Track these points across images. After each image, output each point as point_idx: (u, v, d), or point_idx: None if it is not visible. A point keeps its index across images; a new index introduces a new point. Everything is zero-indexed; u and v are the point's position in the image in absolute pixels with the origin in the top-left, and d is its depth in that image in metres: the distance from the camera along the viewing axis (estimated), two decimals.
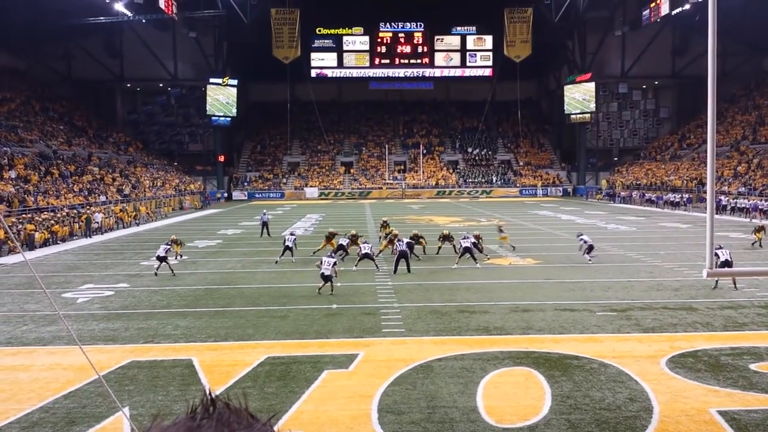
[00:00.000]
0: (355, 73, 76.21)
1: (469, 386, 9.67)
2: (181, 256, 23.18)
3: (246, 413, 1.14)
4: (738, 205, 42.23)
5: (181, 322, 13.91)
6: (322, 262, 16.72)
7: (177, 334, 12.96)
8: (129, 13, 54.99)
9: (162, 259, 19.56)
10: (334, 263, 16.78)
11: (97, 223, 33.73)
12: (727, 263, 16.32)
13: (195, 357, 11.32)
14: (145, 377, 10.30)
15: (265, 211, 32.95)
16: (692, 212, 44.24)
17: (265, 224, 31.11)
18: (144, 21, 60.66)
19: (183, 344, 12.27)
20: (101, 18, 55.72)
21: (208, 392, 1.91)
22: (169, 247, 20.20)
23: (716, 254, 17.50)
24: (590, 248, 21.39)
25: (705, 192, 37.00)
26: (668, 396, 9.16)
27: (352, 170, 74.50)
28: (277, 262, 21.83)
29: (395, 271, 19.56)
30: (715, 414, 8.52)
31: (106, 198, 42.43)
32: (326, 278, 16.39)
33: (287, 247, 21.92)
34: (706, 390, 9.41)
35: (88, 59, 66.50)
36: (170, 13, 57.00)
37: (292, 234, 23.22)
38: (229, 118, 70.03)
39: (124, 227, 37.42)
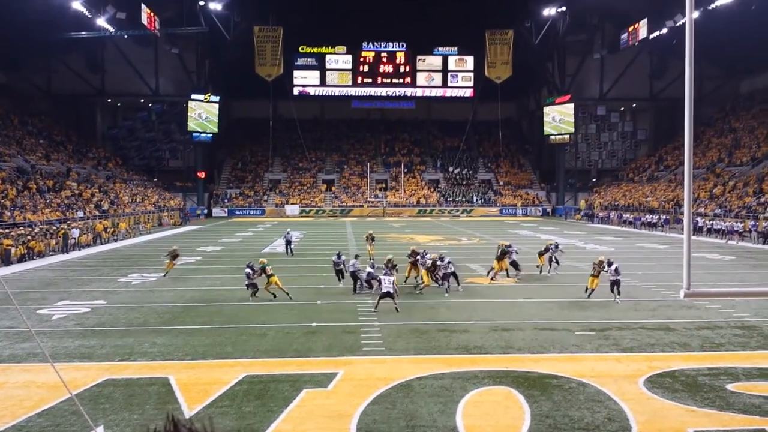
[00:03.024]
0: (337, 91, 76.59)
1: (448, 405, 9.65)
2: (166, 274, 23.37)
3: None
4: (714, 227, 42.81)
5: (158, 340, 13.75)
6: (381, 281, 17.08)
7: (154, 352, 12.80)
8: (111, 29, 54.78)
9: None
10: (394, 280, 17.20)
11: (74, 238, 33.31)
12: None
13: (172, 375, 11.18)
14: (121, 396, 10.14)
15: (289, 230, 32.69)
16: (669, 233, 44.75)
17: (288, 243, 30.90)
18: (126, 36, 60.52)
19: (160, 362, 12.11)
20: (83, 33, 55.48)
21: (170, 417, 1.88)
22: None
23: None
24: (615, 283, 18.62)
25: (682, 213, 37.50)
26: (646, 416, 9.21)
27: (333, 188, 74.50)
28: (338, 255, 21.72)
29: (447, 291, 19.62)
30: None
31: (84, 213, 41.96)
32: (389, 295, 16.69)
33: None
34: (683, 410, 9.47)
35: (69, 74, 66.10)
36: (153, 29, 56.94)
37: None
38: (210, 135, 69.78)
39: (102, 243, 37.01)
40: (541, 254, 24.13)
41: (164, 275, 23.21)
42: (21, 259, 28.01)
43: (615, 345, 13.33)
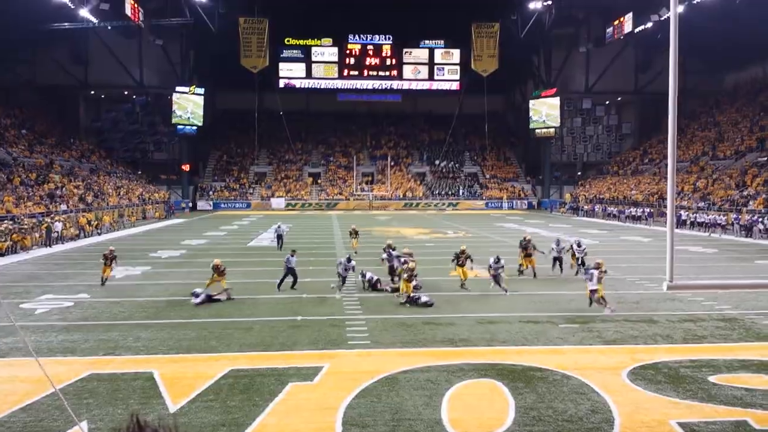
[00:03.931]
0: (323, 84, 76.38)
1: (434, 398, 9.67)
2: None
3: None
4: (697, 220, 43.19)
5: (142, 334, 13.67)
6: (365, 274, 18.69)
7: (138, 346, 12.72)
8: (95, 20, 54.17)
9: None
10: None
11: (57, 232, 33.01)
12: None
13: (156, 369, 11.11)
14: (105, 390, 10.07)
15: (280, 223, 32.13)
16: (653, 226, 45.09)
17: (280, 237, 30.31)
18: (110, 28, 59.88)
19: (144, 356, 12.05)
20: (66, 24, 54.82)
21: (134, 418, 1.87)
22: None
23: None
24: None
25: (665, 207, 37.86)
26: (629, 408, 9.28)
27: (319, 181, 74.36)
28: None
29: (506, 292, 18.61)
30: (675, 426, 8.65)
31: (68, 206, 41.59)
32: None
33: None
34: (666, 402, 9.56)
35: (52, 65, 65.34)
36: (136, 20, 56.40)
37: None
38: (195, 127, 69.37)
39: (85, 236, 36.71)
40: (525, 251, 21.93)
41: (102, 284, 19.97)
42: (4, 253, 27.72)
43: (598, 337, 13.43)
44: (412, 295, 16.94)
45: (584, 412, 9.12)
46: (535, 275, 21.39)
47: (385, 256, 21.00)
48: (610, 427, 8.64)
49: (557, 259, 22.19)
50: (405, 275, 17.33)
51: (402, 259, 19.72)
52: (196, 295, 17.14)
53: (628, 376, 10.77)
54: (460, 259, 19.42)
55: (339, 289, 18.64)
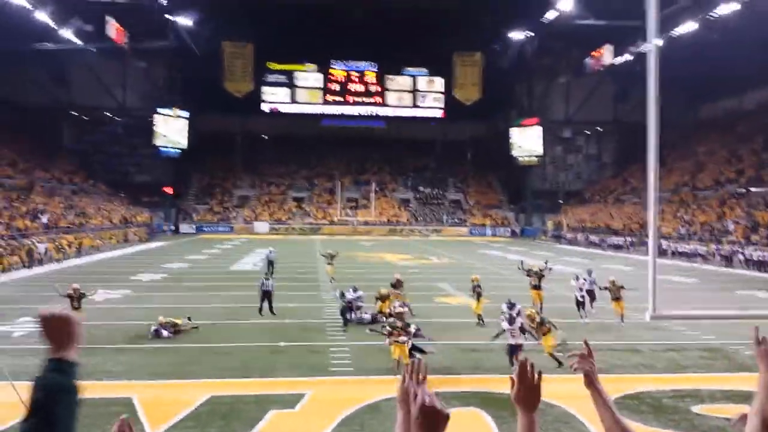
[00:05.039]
0: (307, 109, 76.68)
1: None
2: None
3: None
4: (678, 250, 43.57)
5: (122, 358, 13.46)
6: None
7: (118, 371, 12.51)
8: (77, 41, 54.02)
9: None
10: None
11: (40, 254, 32.59)
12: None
13: (135, 395, 10.92)
14: (83, 415, 9.82)
15: (271, 249, 31.21)
16: (635, 255, 45.41)
17: (271, 263, 28.92)
18: (94, 50, 59.74)
19: (124, 381, 11.84)
20: (48, 44, 54.62)
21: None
22: None
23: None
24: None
25: (647, 236, 38.15)
26: None
27: (303, 205, 74.23)
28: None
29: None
30: None
31: (48, 228, 41.07)
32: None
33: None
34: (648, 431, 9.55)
35: (33, 85, 64.88)
36: (120, 42, 56.37)
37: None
38: (178, 150, 69.11)
39: (66, 259, 36.22)
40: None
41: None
42: None
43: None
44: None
45: None
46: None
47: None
48: None
49: (589, 293, 20.01)
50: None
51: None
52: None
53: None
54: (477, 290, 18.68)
55: (347, 325, 17.23)
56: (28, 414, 0.98)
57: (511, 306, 13.81)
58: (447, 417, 1.55)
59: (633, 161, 71.78)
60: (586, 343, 2.59)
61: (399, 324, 12.77)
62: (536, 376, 2.18)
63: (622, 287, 18.28)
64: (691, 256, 41.55)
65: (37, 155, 60.50)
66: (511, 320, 12.76)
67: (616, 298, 18.20)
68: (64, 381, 1.11)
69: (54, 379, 1.09)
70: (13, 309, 19.56)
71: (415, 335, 15.69)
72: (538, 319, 13.81)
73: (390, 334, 12.64)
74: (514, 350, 12.57)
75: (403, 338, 12.52)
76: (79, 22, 51.38)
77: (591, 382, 2.43)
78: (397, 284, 19.16)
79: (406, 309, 15.77)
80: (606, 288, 18.44)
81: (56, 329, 1.10)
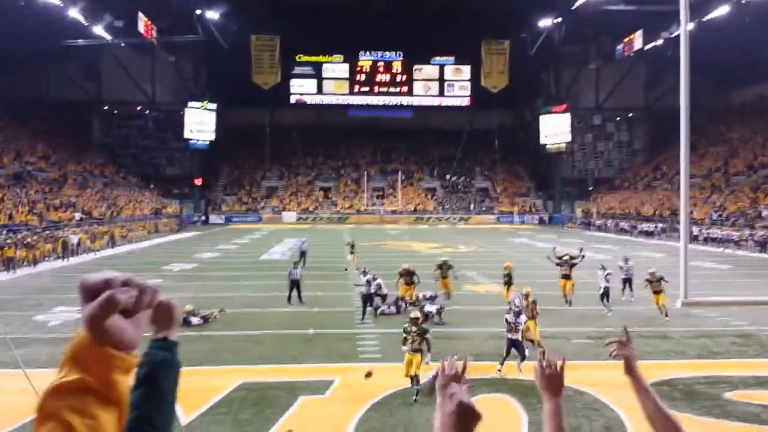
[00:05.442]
0: (334, 100, 76.87)
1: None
2: None
3: None
4: (711, 236, 42.90)
5: None
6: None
7: None
8: (108, 36, 54.81)
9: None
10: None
11: (74, 245, 33.27)
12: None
13: None
14: None
15: (303, 239, 31.09)
16: (666, 241, 44.82)
17: (303, 253, 28.73)
18: (123, 45, 60.55)
19: None
20: (80, 41, 55.51)
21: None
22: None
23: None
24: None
25: (678, 222, 37.59)
26: (644, 424, 9.09)
27: (330, 195, 74.55)
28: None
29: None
30: None
31: (82, 219, 41.88)
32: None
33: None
34: (681, 418, 9.41)
35: (66, 80, 66.13)
36: (149, 37, 57.00)
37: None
38: (207, 142, 69.87)
39: (99, 250, 36.90)
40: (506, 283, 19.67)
41: None
42: (19, 265, 27.93)
43: None
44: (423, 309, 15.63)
45: (599, 428, 9.05)
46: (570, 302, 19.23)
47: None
48: None
49: (626, 281, 20.02)
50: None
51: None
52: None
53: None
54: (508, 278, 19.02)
55: (372, 314, 17.00)
56: (135, 384, 1.15)
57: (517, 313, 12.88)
58: (480, 417, 1.60)
59: (664, 147, 70.73)
60: (626, 329, 2.61)
61: (414, 329, 11.28)
62: (560, 363, 2.20)
63: (662, 279, 17.12)
64: (723, 242, 40.86)
65: (69, 149, 61.62)
66: (518, 315, 12.61)
67: (657, 291, 17.11)
68: (168, 356, 1.35)
69: (159, 355, 1.33)
70: (50, 299, 20.00)
71: (431, 299, 16.11)
72: (532, 299, 14.04)
73: (404, 342, 11.27)
74: (513, 345, 12.24)
75: (405, 347, 11.16)
76: (109, 18, 52.06)
77: (630, 369, 2.43)
78: (404, 273, 18.48)
79: (431, 308, 16.45)
80: (647, 281, 17.41)
81: (161, 314, 1.30)
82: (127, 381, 1.13)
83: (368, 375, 10.50)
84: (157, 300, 1.20)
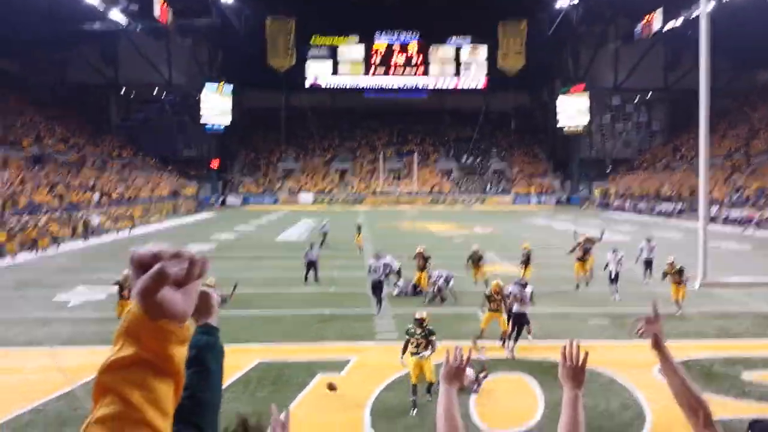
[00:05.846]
0: (349, 82, 76.60)
1: (462, 392, 9.65)
2: None
3: None
4: (731, 216, 42.45)
5: None
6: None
7: None
8: (124, 20, 54.98)
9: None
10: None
11: (95, 226, 33.68)
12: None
13: None
14: None
15: (325, 221, 31.19)
16: (684, 222, 44.41)
17: (324, 234, 29.06)
18: (139, 29, 60.73)
19: None
20: (96, 25, 55.76)
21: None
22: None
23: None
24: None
25: (697, 202, 37.21)
26: (661, 404, 9.17)
27: (346, 176, 74.61)
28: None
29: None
30: None
31: (100, 201, 42.28)
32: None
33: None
34: None
35: (83, 64, 66.43)
36: (165, 21, 57.07)
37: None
38: (223, 125, 70.09)
39: (118, 231, 37.28)
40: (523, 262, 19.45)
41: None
42: (40, 246, 28.31)
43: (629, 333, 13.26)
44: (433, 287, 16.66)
45: (616, 408, 9.05)
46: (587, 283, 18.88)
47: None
48: (642, 423, 8.56)
49: (647, 263, 19.65)
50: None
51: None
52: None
53: (660, 372, 10.64)
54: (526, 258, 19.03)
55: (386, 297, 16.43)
56: (185, 365, 1.19)
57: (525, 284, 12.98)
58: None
59: (684, 128, 69.90)
60: (654, 306, 2.60)
61: (419, 331, 9.66)
62: (582, 356, 2.23)
63: (682, 270, 15.82)
64: (743, 223, 40.41)
65: (87, 132, 62.09)
66: (524, 286, 12.51)
67: (677, 282, 15.86)
68: (211, 340, 1.52)
69: (203, 339, 1.49)
70: (70, 279, 20.26)
71: (446, 280, 16.10)
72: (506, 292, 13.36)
73: (406, 345, 9.81)
74: (518, 318, 12.06)
75: (425, 352, 9.50)
76: (125, 1, 52.21)
77: (658, 346, 2.44)
78: (417, 257, 18.03)
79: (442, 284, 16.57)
80: (664, 274, 16.56)
81: (202, 303, 1.37)
82: (182, 352, 1.14)
83: (331, 387, 9.34)
84: (206, 270, 1.22)
